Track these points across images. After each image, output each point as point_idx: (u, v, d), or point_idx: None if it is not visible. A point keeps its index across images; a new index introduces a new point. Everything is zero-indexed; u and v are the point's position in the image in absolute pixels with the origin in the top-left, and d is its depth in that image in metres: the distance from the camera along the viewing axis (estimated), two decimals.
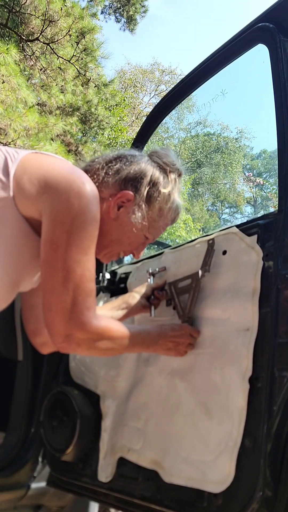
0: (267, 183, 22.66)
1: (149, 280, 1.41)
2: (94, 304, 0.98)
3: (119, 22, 12.32)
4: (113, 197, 1.10)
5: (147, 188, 1.12)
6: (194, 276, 1.25)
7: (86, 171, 1.12)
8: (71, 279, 0.93)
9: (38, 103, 7.68)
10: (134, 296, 1.36)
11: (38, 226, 0.97)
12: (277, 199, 1.18)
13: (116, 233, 1.12)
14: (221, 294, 1.19)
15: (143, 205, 1.12)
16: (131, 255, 1.21)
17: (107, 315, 1.30)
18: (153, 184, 1.13)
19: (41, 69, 7.97)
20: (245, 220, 1.30)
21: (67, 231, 0.92)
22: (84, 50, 8.10)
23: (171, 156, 1.19)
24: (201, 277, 1.22)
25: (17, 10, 7.30)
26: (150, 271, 1.42)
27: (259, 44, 1.32)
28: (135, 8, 11.71)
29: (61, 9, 7.30)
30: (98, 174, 1.12)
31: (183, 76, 1.62)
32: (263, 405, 1.00)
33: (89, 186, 0.97)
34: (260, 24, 1.30)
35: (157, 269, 1.42)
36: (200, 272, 1.23)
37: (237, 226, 1.23)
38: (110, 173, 1.12)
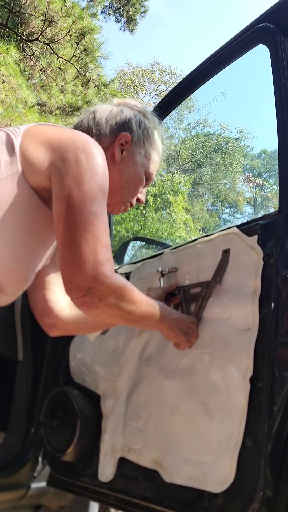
0: (267, 183, 22.67)
1: (159, 281, 1.39)
2: (112, 258, 0.97)
3: (119, 22, 12.33)
4: (114, 143, 1.17)
5: (137, 127, 1.20)
6: (205, 284, 1.25)
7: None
8: (89, 230, 0.92)
9: (38, 103, 7.68)
10: None
11: (48, 197, 0.99)
12: (277, 199, 1.18)
13: (124, 177, 1.18)
14: (221, 294, 1.19)
15: (141, 142, 1.20)
16: (137, 202, 1.26)
17: None
18: (140, 122, 1.21)
19: (41, 69, 7.98)
20: (245, 220, 1.30)
21: (80, 185, 0.94)
22: (84, 50, 8.10)
23: (138, 103, 1.30)
24: (212, 287, 1.22)
25: (17, 10, 7.30)
26: (160, 270, 1.40)
27: (260, 45, 1.32)
28: (135, 8, 11.71)
29: (61, 9, 7.30)
30: (92, 129, 1.18)
31: (183, 77, 1.62)
32: (264, 405, 1.01)
33: (92, 142, 1.01)
34: (260, 25, 1.30)
35: (167, 269, 1.40)
36: (212, 283, 1.23)
37: (238, 226, 1.23)
38: (101, 124, 1.18)
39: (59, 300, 1.22)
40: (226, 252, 1.22)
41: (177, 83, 1.67)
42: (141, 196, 1.26)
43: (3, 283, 1.00)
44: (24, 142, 0.99)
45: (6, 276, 1.00)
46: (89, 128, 1.18)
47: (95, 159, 0.98)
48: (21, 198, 0.98)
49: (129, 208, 1.27)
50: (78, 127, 1.21)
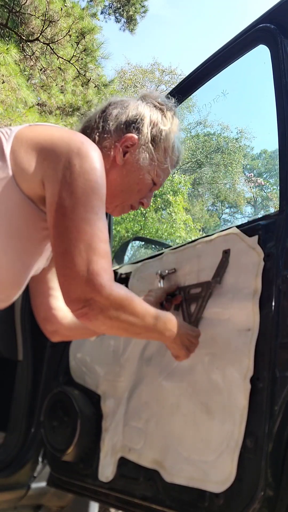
0: (267, 183, 22.66)
1: (159, 283, 1.39)
2: (111, 267, 0.92)
3: (119, 22, 12.31)
4: (117, 143, 1.09)
5: (149, 129, 1.11)
6: (205, 285, 1.25)
7: (85, 128, 1.12)
8: (82, 239, 0.87)
9: (38, 103, 7.67)
10: (149, 300, 1.29)
11: (43, 203, 0.94)
12: (278, 199, 1.18)
13: (125, 181, 1.10)
14: (222, 295, 1.19)
15: (149, 146, 1.11)
16: (141, 206, 1.19)
17: None
18: (154, 124, 1.12)
19: (41, 69, 7.97)
20: (245, 220, 1.30)
21: (72, 191, 0.89)
22: (84, 50, 8.10)
23: (162, 97, 1.19)
24: (212, 288, 1.22)
25: (17, 10, 7.30)
26: (160, 272, 1.40)
27: (260, 45, 1.32)
28: (135, 8, 11.70)
29: (61, 9, 7.30)
30: (98, 125, 1.10)
31: (184, 77, 1.62)
32: (265, 405, 1.01)
33: (88, 144, 0.95)
34: (261, 25, 1.30)
35: (166, 271, 1.39)
36: (212, 283, 1.23)
37: (238, 226, 1.23)
38: (109, 120, 1.10)
39: (62, 307, 1.19)
40: (226, 253, 1.22)
41: (178, 83, 1.67)
42: (146, 200, 1.18)
43: None
44: (16, 146, 0.93)
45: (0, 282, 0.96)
46: (95, 124, 1.11)
47: (90, 162, 0.92)
48: (11, 203, 0.93)
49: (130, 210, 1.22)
50: (85, 124, 1.15)
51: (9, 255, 0.96)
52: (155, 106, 1.15)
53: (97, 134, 1.09)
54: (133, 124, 1.10)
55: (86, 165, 0.91)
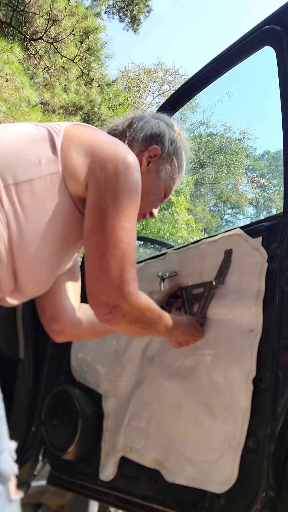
0: (270, 184, 22.63)
1: (160, 285, 1.39)
2: (136, 275, 0.97)
3: (122, 21, 12.32)
4: (143, 153, 1.16)
5: (168, 144, 1.20)
6: (207, 285, 1.25)
7: (113, 135, 1.16)
8: (119, 247, 0.92)
9: (41, 102, 7.68)
10: None
11: (82, 205, 0.97)
12: (280, 200, 1.18)
13: (145, 189, 1.14)
14: (225, 295, 1.19)
15: (168, 160, 1.20)
16: (149, 216, 1.25)
17: None
18: (173, 141, 1.22)
19: (44, 68, 7.98)
20: (247, 221, 1.31)
21: (115, 199, 0.93)
22: (87, 50, 8.10)
23: (174, 119, 1.30)
24: (215, 287, 1.22)
25: (21, 9, 7.31)
26: (160, 274, 1.40)
27: (266, 46, 1.32)
28: (139, 8, 11.71)
29: (65, 8, 7.30)
30: (125, 134, 1.18)
31: (187, 77, 1.63)
32: (267, 406, 1.01)
33: (131, 155, 1.00)
34: (267, 27, 1.30)
35: (167, 274, 1.40)
36: (214, 283, 1.23)
37: (242, 227, 1.23)
38: (136, 131, 1.18)
39: (70, 306, 1.20)
40: (228, 253, 1.22)
41: (182, 83, 1.67)
42: (155, 211, 1.25)
43: (26, 284, 0.97)
44: (65, 143, 0.96)
45: (30, 278, 0.97)
46: (123, 133, 1.18)
47: (133, 172, 0.97)
48: (57, 200, 0.95)
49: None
50: (112, 130, 1.20)
51: (48, 249, 0.97)
52: (169, 126, 1.25)
53: (126, 142, 1.15)
54: (157, 138, 1.19)
55: (130, 175, 0.96)
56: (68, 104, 8.27)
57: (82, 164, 0.95)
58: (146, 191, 1.16)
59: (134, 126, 1.19)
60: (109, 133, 1.19)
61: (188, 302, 1.30)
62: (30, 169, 0.92)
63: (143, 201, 1.15)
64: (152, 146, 1.18)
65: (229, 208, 25.38)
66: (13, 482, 0.70)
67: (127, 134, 1.17)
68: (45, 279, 1.01)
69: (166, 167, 1.20)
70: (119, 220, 0.93)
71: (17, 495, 0.70)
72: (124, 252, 0.93)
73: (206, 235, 1.40)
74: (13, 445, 0.73)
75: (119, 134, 1.18)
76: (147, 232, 11.02)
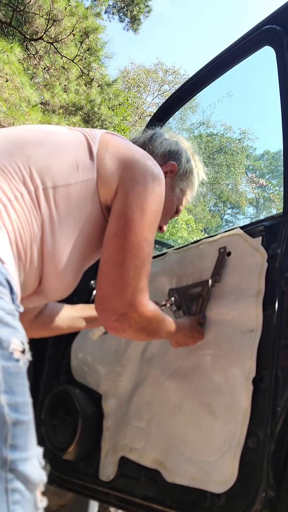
0: (269, 184, 22.63)
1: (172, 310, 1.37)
2: (147, 286, 0.99)
3: (122, 22, 12.32)
4: (161, 167, 1.15)
5: (185, 162, 1.25)
6: (204, 284, 1.25)
7: None
8: (139, 256, 0.93)
9: (41, 102, 7.68)
10: None
11: (107, 212, 0.98)
12: (280, 200, 1.18)
13: None
14: (225, 296, 1.19)
15: (184, 177, 1.25)
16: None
17: None
18: (188, 160, 1.26)
19: (44, 68, 7.98)
20: (247, 221, 1.31)
21: (142, 209, 0.94)
22: (87, 50, 8.10)
23: (187, 140, 1.35)
24: (211, 286, 1.23)
25: (21, 9, 7.31)
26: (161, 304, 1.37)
27: (266, 46, 1.32)
28: (139, 8, 11.70)
29: (65, 8, 7.30)
30: (146, 147, 1.22)
31: (187, 77, 1.63)
32: (267, 406, 1.01)
33: (158, 169, 1.02)
34: (267, 26, 1.30)
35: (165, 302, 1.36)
36: (210, 281, 1.23)
37: (242, 227, 1.23)
38: (156, 146, 1.24)
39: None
40: (223, 250, 1.22)
41: (182, 83, 1.67)
42: (165, 226, 1.27)
43: (51, 289, 0.97)
44: (101, 150, 0.98)
45: (57, 282, 0.96)
46: (144, 145, 1.23)
47: (160, 186, 0.99)
48: (88, 206, 0.96)
49: None
50: (133, 142, 1.22)
51: (76, 255, 0.97)
52: (186, 147, 1.29)
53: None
54: (175, 155, 1.24)
55: (157, 188, 0.98)
56: (68, 104, 8.27)
57: (115, 172, 0.96)
58: None
59: (155, 141, 1.25)
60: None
61: (186, 303, 1.31)
62: (69, 173, 0.92)
63: None
64: (169, 162, 1.23)
65: (229, 208, 25.38)
66: (40, 490, 0.68)
67: (148, 148, 1.22)
68: (69, 284, 1.00)
69: (180, 184, 1.25)
70: (143, 230, 0.94)
71: (42, 503, 0.69)
72: (143, 262, 0.94)
73: (206, 235, 1.40)
74: (40, 451, 0.72)
75: (140, 146, 1.20)
76: None
